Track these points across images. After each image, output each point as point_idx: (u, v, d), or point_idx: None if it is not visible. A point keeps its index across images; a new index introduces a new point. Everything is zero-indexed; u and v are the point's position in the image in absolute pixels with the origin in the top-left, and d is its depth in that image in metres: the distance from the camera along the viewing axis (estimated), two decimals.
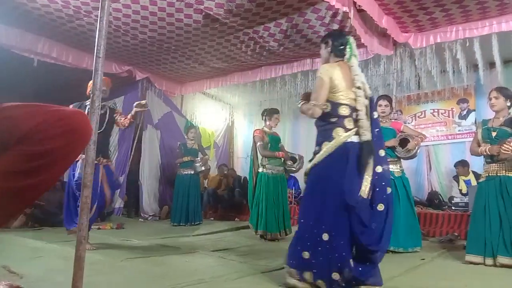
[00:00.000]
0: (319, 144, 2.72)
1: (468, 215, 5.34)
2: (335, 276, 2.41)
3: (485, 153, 3.72)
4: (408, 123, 8.04)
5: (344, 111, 2.68)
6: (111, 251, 4.00)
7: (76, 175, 4.08)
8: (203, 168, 7.13)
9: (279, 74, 7.10)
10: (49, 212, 6.21)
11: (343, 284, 2.41)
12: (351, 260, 2.44)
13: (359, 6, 4.59)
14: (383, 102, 4.63)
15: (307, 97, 2.87)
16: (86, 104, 4.18)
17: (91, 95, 1.95)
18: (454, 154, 7.74)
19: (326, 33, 3.09)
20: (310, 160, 2.76)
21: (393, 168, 4.44)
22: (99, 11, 1.97)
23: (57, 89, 7.67)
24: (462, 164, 6.80)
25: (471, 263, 3.56)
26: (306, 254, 2.52)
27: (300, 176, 8.15)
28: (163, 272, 3.03)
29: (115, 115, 4.48)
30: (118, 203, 7.81)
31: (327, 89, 2.68)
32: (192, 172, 7.09)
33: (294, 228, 5.72)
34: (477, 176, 6.22)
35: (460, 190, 6.80)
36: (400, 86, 7.44)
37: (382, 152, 2.70)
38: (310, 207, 2.66)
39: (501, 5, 4.83)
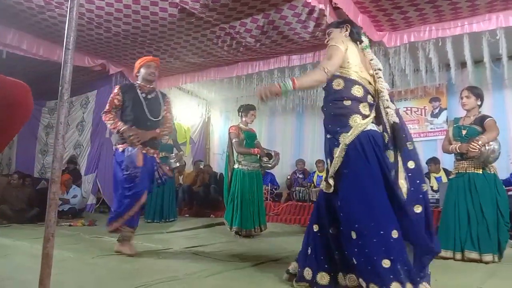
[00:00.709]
0: (333, 133, 2.38)
1: (439, 211, 5.46)
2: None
3: (455, 151, 3.82)
4: None
5: (358, 91, 2.36)
6: (82, 248, 3.93)
7: (123, 166, 3.55)
8: (177, 164, 7.05)
9: (256, 70, 7.09)
10: (17, 209, 6.04)
11: None
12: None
13: (335, 4, 4.63)
14: None
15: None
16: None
17: (60, 88, 1.89)
18: (426, 152, 7.89)
19: (341, 20, 2.83)
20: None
21: None
22: (69, 1, 1.91)
23: (27, 82, 7.44)
24: (433, 162, 6.95)
25: (441, 258, 3.65)
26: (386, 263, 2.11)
27: (276, 173, 8.20)
28: (135, 269, 2.98)
29: (166, 103, 3.92)
30: (91, 199, 7.67)
31: (341, 59, 2.35)
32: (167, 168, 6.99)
33: (269, 225, 5.80)
34: (448, 173, 6.37)
35: (432, 187, 6.95)
36: None
37: (410, 145, 2.37)
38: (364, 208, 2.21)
39: (472, 6, 4.95)
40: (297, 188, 7.69)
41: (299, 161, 8.63)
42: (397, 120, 2.32)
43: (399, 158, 2.32)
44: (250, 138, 5.29)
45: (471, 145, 3.55)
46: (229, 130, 5.32)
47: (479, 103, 3.83)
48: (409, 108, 8.21)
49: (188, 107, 9.84)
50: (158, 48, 6.63)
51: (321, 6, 4.61)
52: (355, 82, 2.37)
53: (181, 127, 9.47)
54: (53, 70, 6.44)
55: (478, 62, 5.87)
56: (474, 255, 3.50)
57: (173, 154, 7.10)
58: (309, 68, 6.94)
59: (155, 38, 6.21)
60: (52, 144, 1.82)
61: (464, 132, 3.78)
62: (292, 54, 6.60)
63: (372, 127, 2.35)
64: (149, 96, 3.77)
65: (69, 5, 1.92)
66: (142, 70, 3.79)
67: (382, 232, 2.14)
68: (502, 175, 5.41)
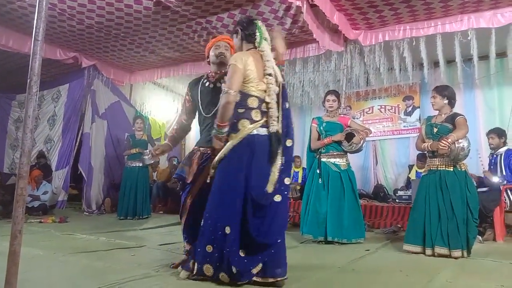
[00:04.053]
0: (227, 135, 2.63)
1: (411, 207, 5.58)
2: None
3: (427, 149, 3.90)
4: (357, 118, 8.28)
5: (252, 102, 2.61)
6: (52, 245, 3.83)
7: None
8: (151, 161, 6.94)
9: None
10: None
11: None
12: (240, 252, 2.44)
13: (312, 1, 4.64)
14: (330, 97, 4.72)
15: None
16: None
17: (28, 80, 1.82)
18: (399, 149, 8.08)
19: (237, 22, 2.99)
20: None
21: (339, 161, 4.57)
22: None
23: None
24: (423, 157, 6.93)
25: (410, 252, 3.73)
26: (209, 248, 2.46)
27: None
28: (107, 267, 2.93)
29: None
30: (62, 195, 7.50)
31: (241, 77, 2.56)
32: (141, 165, 6.90)
33: None
34: None
35: (409, 178, 7.05)
36: (349, 82, 7.65)
37: (289, 143, 2.67)
38: (216, 201, 2.54)
39: (445, 7, 5.06)
40: None
41: None
42: (276, 129, 2.59)
43: (279, 154, 2.59)
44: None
45: (440, 143, 3.63)
46: None
47: (445, 101, 3.90)
48: (383, 106, 8.35)
49: (163, 102, 9.72)
50: (133, 41, 6.52)
51: (298, 3, 4.61)
52: (251, 95, 2.61)
53: (156, 122, 9.35)
54: (24, 63, 6.25)
55: (450, 62, 6.01)
56: (444, 250, 3.58)
57: (147, 151, 6.97)
58: (285, 65, 6.97)
59: (130, 31, 6.09)
60: None
61: (435, 130, 3.86)
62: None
63: (259, 131, 2.59)
64: (217, 85, 3.00)
65: None
66: (211, 53, 3.11)
67: (219, 224, 2.45)
68: (473, 172, 5.58)
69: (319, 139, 4.66)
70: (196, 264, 2.50)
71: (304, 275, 2.40)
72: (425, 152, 4.09)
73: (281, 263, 2.46)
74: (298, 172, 8.01)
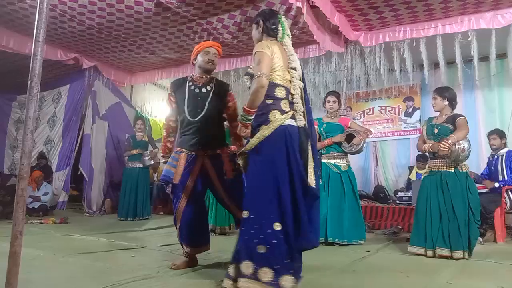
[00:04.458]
0: (254, 127, 2.49)
1: (411, 208, 5.58)
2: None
3: (428, 150, 3.91)
4: (357, 119, 8.28)
5: (280, 92, 2.49)
6: (52, 246, 3.83)
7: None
8: (152, 162, 6.96)
9: (233, 67, 7.07)
10: None
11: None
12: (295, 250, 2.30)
13: (312, 2, 4.64)
14: (331, 98, 4.72)
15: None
16: None
17: (29, 81, 1.83)
18: (400, 150, 8.07)
19: (257, 13, 2.83)
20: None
21: (339, 162, 4.57)
22: None
23: None
24: (423, 159, 6.91)
25: (413, 254, 3.72)
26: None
27: None
28: (107, 268, 2.93)
29: (228, 97, 3.17)
30: (62, 196, 7.50)
31: (270, 63, 2.44)
32: (141, 166, 6.91)
33: None
34: None
35: (409, 179, 7.05)
36: (350, 83, 7.64)
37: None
38: (257, 197, 2.36)
39: (445, 8, 5.06)
40: None
41: None
42: (304, 123, 2.49)
43: (310, 150, 2.48)
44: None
45: (441, 144, 3.63)
46: None
47: (446, 103, 3.91)
48: (383, 107, 8.35)
49: (164, 103, 9.72)
50: (133, 42, 6.52)
51: (299, 4, 4.61)
52: (278, 85, 2.49)
53: (157, 123, 9.36)
54: (25, 64, 6.23)
55: (450, 63, 6.01)
56: (445, 252, 3.58)
57: (148, 152, 7.00)
58: None
59: (130, 32, 6.10)
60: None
61: (436, 130, 3.87)
62: None
63: (291, 122, 2.47)
64: (203, 90, 3.07)
65: None
66: (199, 57, 3.13)
67: (263, 222, 2.26)
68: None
69: (319, 140, 4.66)
70: (244, 269, 2.23)
71: (304, 276, 2.40)
72: (426, 153, 4.09)
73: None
74: None
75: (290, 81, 2.55)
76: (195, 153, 2.97)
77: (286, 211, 2.28)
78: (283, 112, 2.46)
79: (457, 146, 3.60)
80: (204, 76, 3.13)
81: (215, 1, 5.03)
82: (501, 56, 5.80)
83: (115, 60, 7.51)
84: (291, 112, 2.50)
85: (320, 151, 4.61)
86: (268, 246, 2.22)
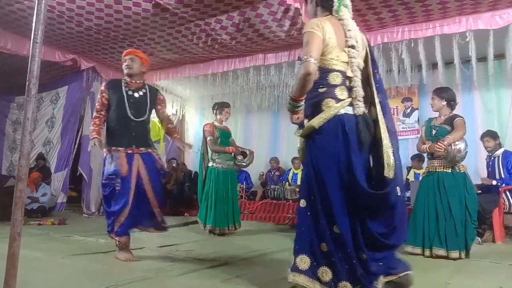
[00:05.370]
0: (307, 117, 2.29)
1: (410, 208, 5.57)
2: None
3: (426, 151, 3.93)
4: None
5: (335, 79, 2.21)
6: (51, 247, 3.82)
7: (105, 172, 3.43)
8: None
9: (231, 68, 7.06)
10: None
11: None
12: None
13: None
14: None
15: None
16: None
17: (27, 83, 1.82)
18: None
19: None
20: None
21: None
22: None
23: None
24: (418, 158, 6.94)
25: (410, 253, 3.73)
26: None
27: (251, 171, 8.19)
28: (105, 269, 2.93)
29: (158, 101, 3.68)
30: (61, 197, 7.49)
31: (321, 44, 2.16)
32: None
33: (245, 223, 5.79)
34: None
35: (408, 179, 7.05)
36: None
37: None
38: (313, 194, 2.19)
39: (443, 9, 5.07)
40: (272, 186, 7.70)
41: (272, 159, 8.63)
42: (363, 111, 2.21)
43: (385, 134, 2.20)
44: (224, 136, 5.27)
45: (437, 145, 3.65)
46: (203, 128, 5.28)
47: (444, 103, 3.92)
48: None
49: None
50: (132, 43, 6.52)
51: (297, 5, 4.63)
52: (332, 70, 2.23)
53: (155, 124, 9.32)
54: (23, 65, 6.21)
55: (448, 63, 6.02)
56: (441, 251, 3.60)
57: None
58: (284, 67, 6.98)
59: (128, 33, 6.10)
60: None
61: (434, 131, 3.89)
62: (267, 53, 6.61)
63: (347, 110, 2.20)
64: (135, 94, 3.46)
65: None
66: (122, 65, 3.51)
67: (322, 222, 2.15)
68: (471, 174, 5.56)
69: None
70: (302, 265, 2.16)
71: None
72: (425, 154, 4.11)
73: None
74: (297, 173, 8.00)
75: (348, 63, 2.26)
76: (131, 151, 3.40)
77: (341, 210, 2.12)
78: (338, 100, 2.19)
79: (453, 147, 3.61)
80: (133, 81, 3.49)
81: (213, 2, 5.04)
82: (499, 56, 5.80)
83: (113, 61, 7.50)
84: (349, 99, 2.22)
85: None
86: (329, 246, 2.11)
